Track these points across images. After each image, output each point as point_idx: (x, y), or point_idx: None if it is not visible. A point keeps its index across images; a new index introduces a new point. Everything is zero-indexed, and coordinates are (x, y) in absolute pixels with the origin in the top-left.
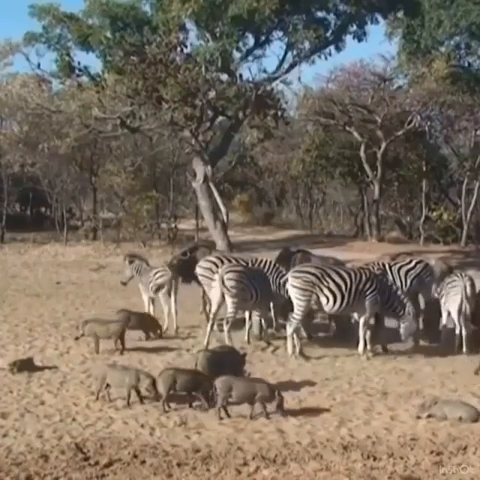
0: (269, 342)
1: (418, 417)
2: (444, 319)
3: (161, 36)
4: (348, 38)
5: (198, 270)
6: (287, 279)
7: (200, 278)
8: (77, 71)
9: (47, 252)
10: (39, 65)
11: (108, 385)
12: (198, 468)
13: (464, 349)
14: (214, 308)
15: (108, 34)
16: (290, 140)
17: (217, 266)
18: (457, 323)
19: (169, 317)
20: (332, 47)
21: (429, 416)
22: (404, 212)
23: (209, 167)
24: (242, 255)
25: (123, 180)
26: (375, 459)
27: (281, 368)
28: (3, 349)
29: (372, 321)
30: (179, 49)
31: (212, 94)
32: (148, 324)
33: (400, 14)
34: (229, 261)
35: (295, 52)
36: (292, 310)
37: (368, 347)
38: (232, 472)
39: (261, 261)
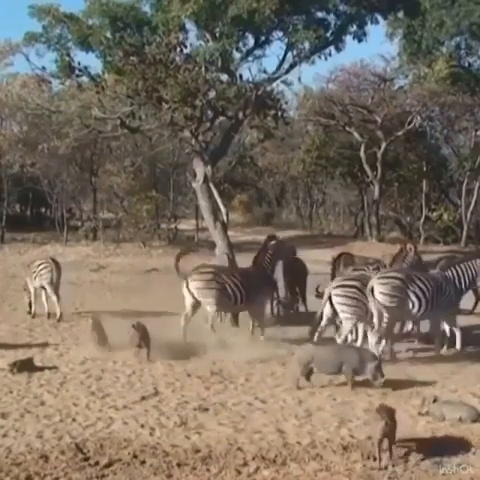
0: None
1: (419, 413)
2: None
3: (161, 36)
4: (348, 38)
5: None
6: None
7: None
8: (77, 71)
9: (47, 252)
10: (44, 67)
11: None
12: (198, 468)
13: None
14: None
15: (108, 34)
16: (290, 140)
17: None
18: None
19: None
20: (332, 47)
21: (427, 413)
22: (404, 212)
23: (209, 167)
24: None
25: (123, 180)
26: (375, 459)
27: (281, 368)
28: (3, 349)
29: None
30: (179, 49)
31: (212, 94)
32: None
33: (400, 14)
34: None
35: (295, 52)
36: None
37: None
38: (232, 472)
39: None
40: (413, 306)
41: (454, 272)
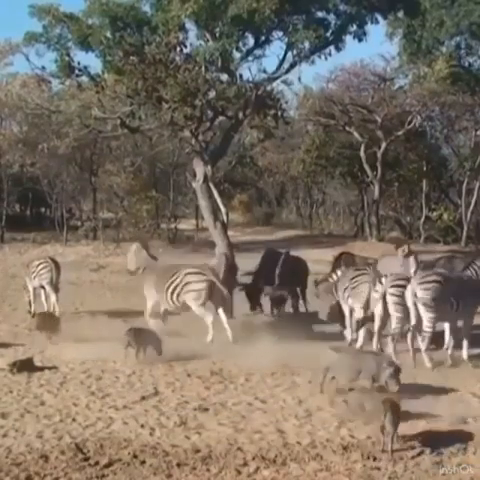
0: None
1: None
2: None
3: (161, 36)
4: (348, 38)
5: None
6: None
7: None
8: (77, 71)
9: (47, 252)
10: (44, 67)
11: None
12: (198, 468)
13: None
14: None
15: (108, 34)
16: (290, 140)
17: None
18: None
19: None
20: (332, 47)
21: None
22: (404, 212)
23: (209, 167)
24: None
25: (123, 180)
26: (375, 459)
27: (281, 369)
28: (3, 349)
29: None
30: (179, 49)
31: (212, 94)
32: None
33: (400, 14)
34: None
35: (295, 52)
36: None
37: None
38: (232, 472)
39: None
40: (451, 307)
41: (473, 271)
